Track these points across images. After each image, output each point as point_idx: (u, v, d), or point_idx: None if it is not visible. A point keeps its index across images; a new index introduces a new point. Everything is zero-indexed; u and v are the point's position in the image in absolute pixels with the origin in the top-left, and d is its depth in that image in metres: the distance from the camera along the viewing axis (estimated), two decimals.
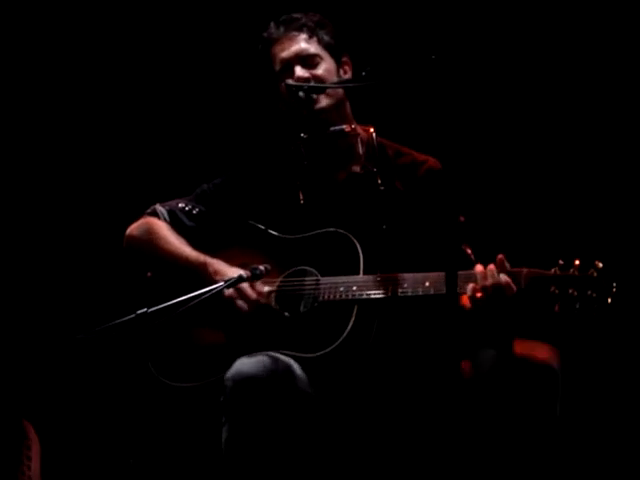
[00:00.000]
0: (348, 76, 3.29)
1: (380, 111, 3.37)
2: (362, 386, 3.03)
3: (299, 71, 3.20)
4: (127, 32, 4.17)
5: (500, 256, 2.90)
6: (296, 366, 2.93)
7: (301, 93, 3.13)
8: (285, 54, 3.24)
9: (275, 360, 2.91)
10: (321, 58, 3.24)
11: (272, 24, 3.29)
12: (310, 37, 3.25)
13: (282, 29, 3.26)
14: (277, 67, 3.26)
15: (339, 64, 3.28)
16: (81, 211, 4.20)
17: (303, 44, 3.24)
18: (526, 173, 3.99)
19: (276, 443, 2.85)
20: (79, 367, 3.95)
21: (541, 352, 2.92)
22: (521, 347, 2.93)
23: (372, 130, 3.29)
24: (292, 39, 3.24)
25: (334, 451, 3.01)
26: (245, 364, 2.89)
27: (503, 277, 2.87)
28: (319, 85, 3.18)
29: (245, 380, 2.86)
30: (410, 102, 3.79)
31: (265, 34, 3.29)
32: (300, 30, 3.25)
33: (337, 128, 3.22)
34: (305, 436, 2.90)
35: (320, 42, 3.25)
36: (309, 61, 3.23)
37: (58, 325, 4.03)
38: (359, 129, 3.29)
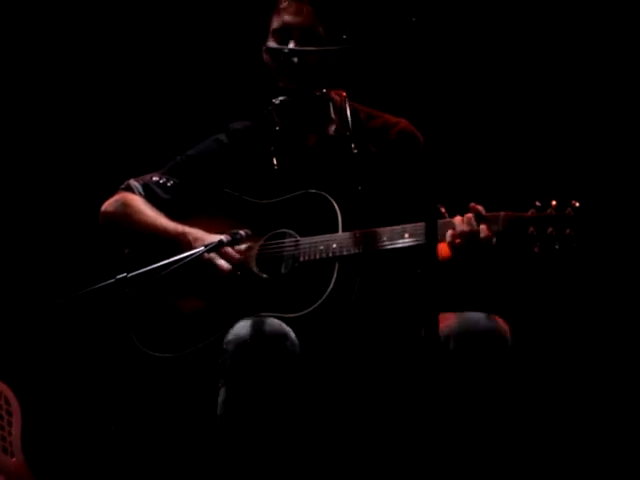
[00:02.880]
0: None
1: (353, 75, 3.38)
2: (346, 343, 3.02)
3: (292, 46, 3.16)
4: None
5: (472, 204, 2.92)
6: (288, 328, 2.93)
7: (282, 56, 3.12)
8: (290, 19, 3.18)
9: (272, 324, 2.90)
10: (318, 40, 3.18)
11: None
12: (319, 18, 3.19)
13: None
14: (275, 24, 3.21)
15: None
16: (57, 188, 4.19)
17: (314, 21, 3.18)
18: (499, 118, 4.01)
19: (276, 405, 2.85)
20: (60, 332, 3.94)
21: (484, 320, 2.94)
22: (463, 320, 2.94)
23: (344, 94, 3.31)
24: (304, 8, 3.18)
25: (321, 409, 3.01)
26: (245, 327, 2.88)
27: (481, 224, 2.89)
28: (300, 49, 3.15)
29: (246, 343, 2.85)
30: (385, 65, 3.82)
31: None
32: (310, 5, 3.20)
33: (309, 92, 3.22)
34: (300, 398, 2.92)
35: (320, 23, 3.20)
36: (307, 37, 3.18)
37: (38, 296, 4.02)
38: (332, 93, 3.29)
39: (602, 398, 3.90)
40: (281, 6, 3.21)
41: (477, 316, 2.96)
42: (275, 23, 3.21)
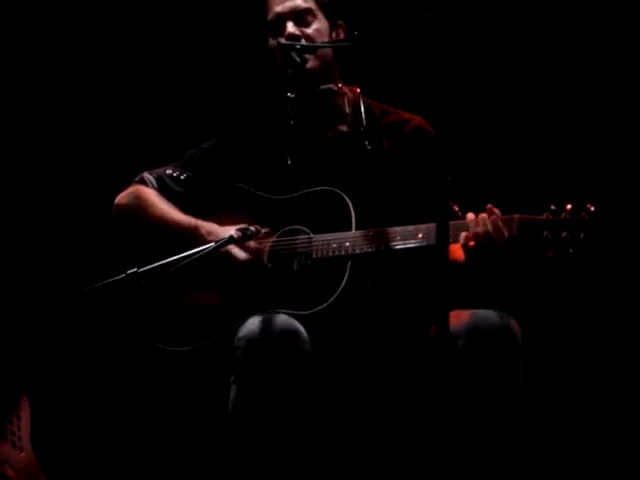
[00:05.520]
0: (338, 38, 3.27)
1: (368, 72, 3.36)
2: (358, 341, 3.02)
3: (290, 27, 3.18)
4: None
5: (489, 205, 2.90)
6: (300, 326, 2.92)
7: (294, 53, 3.12)
8: (280, 8, 3.21)
9: (284, 321, 2.89)
10: (314, 17, 3.22)
11: None
12: None
13: None
14: (269, 17, 3.23)
15: (333, 26, 3.26)
16: (70, 182, 4.19)
17: (299, 0, 3.22)
18: (514, 121, 4.00)
19: (287, 402, 2.85)
20: (70, 327, 3.94)
21: (495, 320, 2.92)
22: (473, 318, 2.93)
23: (359, 90, 3.30)
24: None
25: (332, 406, 3.01)
26: (257, 324, 2.87)
27: (494, 224, 2.87)
28: (311, 45, 3.15)
29: (258, 340, 2.84)
30: (398, 62, 3.80)
31: None
32: None
33: (324, 87, 3.21)
34: (311, 396, 2.91)
35: (317, 0, 3.23)
36: (302, 18, 3.21)
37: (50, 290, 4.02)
38: (346, 89, 3.28)
39: (612, 401, 3.89)
40: None
41: (488, 314, 2.95)
42: (269, 15, 3.24)
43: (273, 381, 2.83)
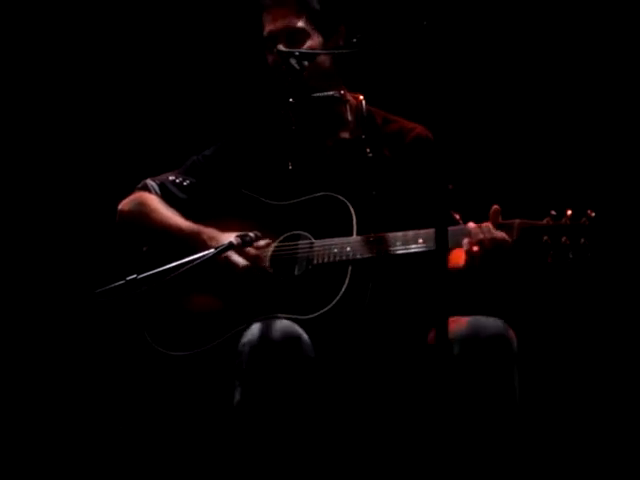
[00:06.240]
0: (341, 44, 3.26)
1: (369, 79, 3.37)
2: (358, 347, 3.03)
3: (281, 49, 3.17)
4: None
5: (495, 206, 2.91)
6: (302, 331, 2.93)
7: (292, 60, 3.13)
8: (272, 27, 3.22)
9: (287, 326, 2.91)
10: (307, 34, 3.21)
11: None
12: (299, 11, 3.21)
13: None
14: (264, 33, 3.25)
15: (328, 38, 3.23)
16: (72, 187, 4.20)
17: (291, 19, 3.21)
18: (515, 128, 4.01)
19: (290, 407, 2.86)
20: (73, 331, 3.95)
21: (492, 327, 2.93)
22: (469, 325, 2.94)
23: (361, 97, 3.31)
24: (281, 11, 3.21)
25: (334, 410, 3.02)
26: (261, 329, 2.89)
27: (498, 232, 2.88)
28: (310, 51, 3.17)
29: (261, 346, 2.86)
30: (399, 70, 3.81)
31: None
32: (290, 3, 3.22)
33: (325, 94, 3.23)
34: (314, 400, 2.92)
35: (309, 17, 3.21)
36: (295, 37, 3.21)
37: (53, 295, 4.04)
38: (349, 96, 3.30)
39: (610, 406, 3.89)
40: (264, 12, 3.23)
41: (485, 322, 2.96)
42: (264, 31, 3.24)
43: (276, 386, 2.85)
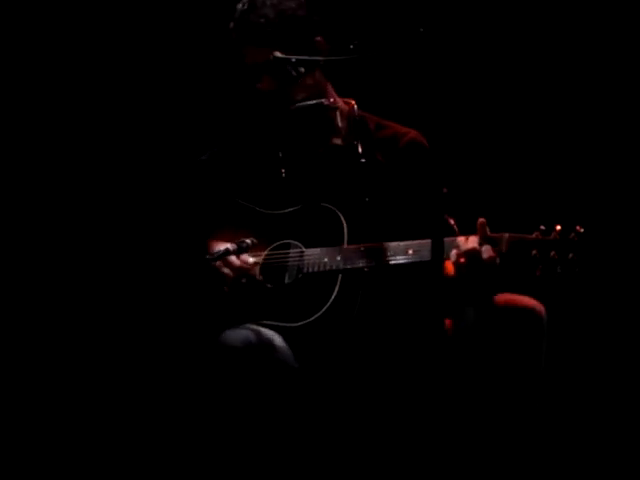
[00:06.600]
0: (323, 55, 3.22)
1: (363, 84, 3.37)
2: (347, 357, 3.05)
3: (278, 55, 3.16)
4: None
5: (481, 219, 2.92)
6: (279, 339, 2.95)
7: (289, 67, 3.12)
8: (246, 60, 3.21)
9: (258, 333, 2.93)
10: (278, 60, 3.14)
11: (231, 24, 3.23)
12: (264, 45, 3.16)
13: (235, 36, 3.20)
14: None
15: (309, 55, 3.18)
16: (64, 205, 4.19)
17: (257, 55, 3.17)
18: (508, 140, 4.01)
19: (257, 414, 2.89)
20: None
21: (525, 300, 2.96)
22: (504, 298, 2.96)
23: (353, 103, 3.31)
24: (246, 48, 3.19)
25: (318, 422, 3.04)
26: (228, 337, 2.92)
27: (484, 246, 2.89)
28: (307, 58, 3.15)
29: (227, 353, 2.89)
30: (395, 75, 3.81)
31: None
32: (253, 39, 3.17)
33: (307, 103, 3.21)
34: (288, 407, 2.94)
35: (276, 45, 3.16)
36: (269, 69, 3.17)
37: None
38: (340, 102, 3.30)
39: (607, 415, 3.92)
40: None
41: (518, 296, 2.99)
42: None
43: (250, 391, 2.88)
